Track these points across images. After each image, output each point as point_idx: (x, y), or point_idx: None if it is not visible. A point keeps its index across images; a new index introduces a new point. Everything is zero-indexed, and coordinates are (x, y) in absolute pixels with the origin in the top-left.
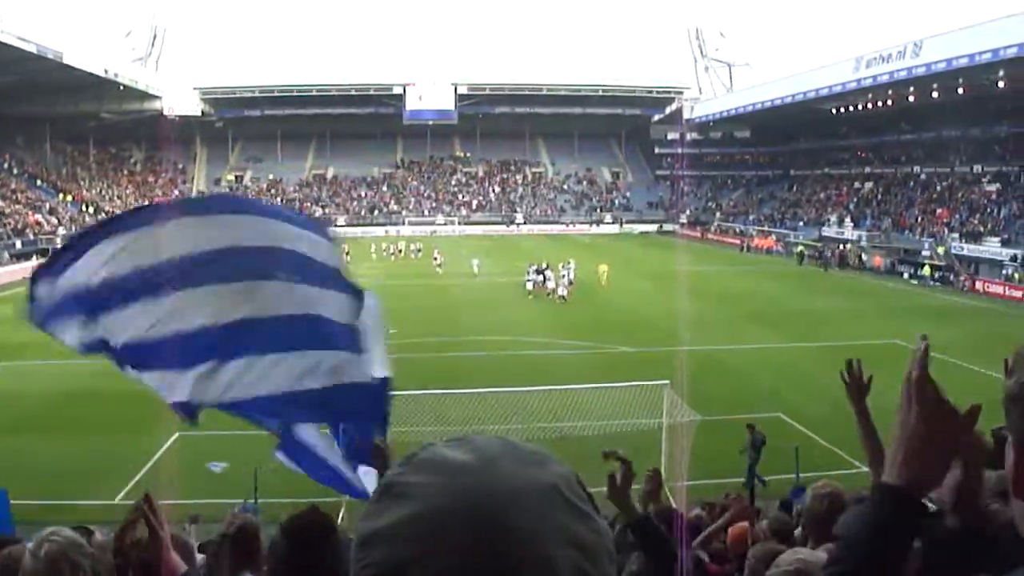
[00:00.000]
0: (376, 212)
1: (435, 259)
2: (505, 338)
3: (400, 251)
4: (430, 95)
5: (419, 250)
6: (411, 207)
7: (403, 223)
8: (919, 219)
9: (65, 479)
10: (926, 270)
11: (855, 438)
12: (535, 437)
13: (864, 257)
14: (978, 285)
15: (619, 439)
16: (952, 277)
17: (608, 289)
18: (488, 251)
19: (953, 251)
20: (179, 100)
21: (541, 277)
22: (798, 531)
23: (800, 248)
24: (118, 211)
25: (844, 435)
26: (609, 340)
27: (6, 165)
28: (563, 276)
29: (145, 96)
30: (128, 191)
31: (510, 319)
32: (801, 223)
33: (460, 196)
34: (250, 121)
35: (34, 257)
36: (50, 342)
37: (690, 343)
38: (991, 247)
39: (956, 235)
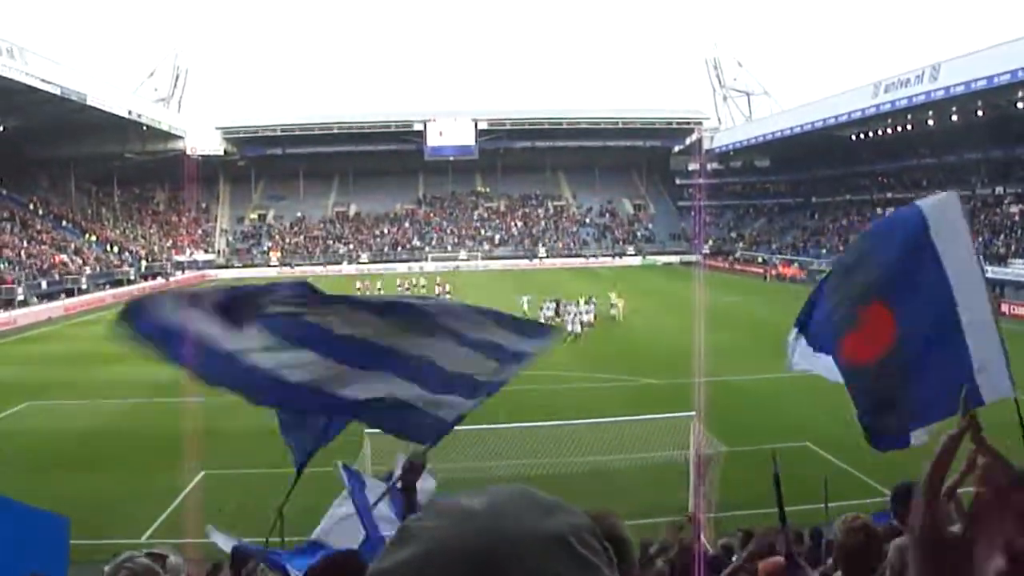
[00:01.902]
0: (399, 248)
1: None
2: (529, 372)
3: (413, 286)
4: (450, 131)
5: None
6: (433, 243)
7: (426, 259)
8: None
9: (91, 517)
10: None
11: (884, 466)
12: (562, 472)
13: None
14: (1003, 307)
15: (647, 472)
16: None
17: (624, 323)
18: (515, 286)
19: None
20: (202, 140)
21: (553, 312)
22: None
23: (823, 275)
24: (142, 251)
25: (872, 463)
26: (635, 372)
27: (32, 206)
28: (576, 314)
29: (168, 136)
30: (152, 231)
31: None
32: (824, 250)
33: (482, 231)
34: (272, 159)
35: (61, 296)
36: (74, 380)
37: (716, 374)
38: (1017, 269)
39: (980, 258)
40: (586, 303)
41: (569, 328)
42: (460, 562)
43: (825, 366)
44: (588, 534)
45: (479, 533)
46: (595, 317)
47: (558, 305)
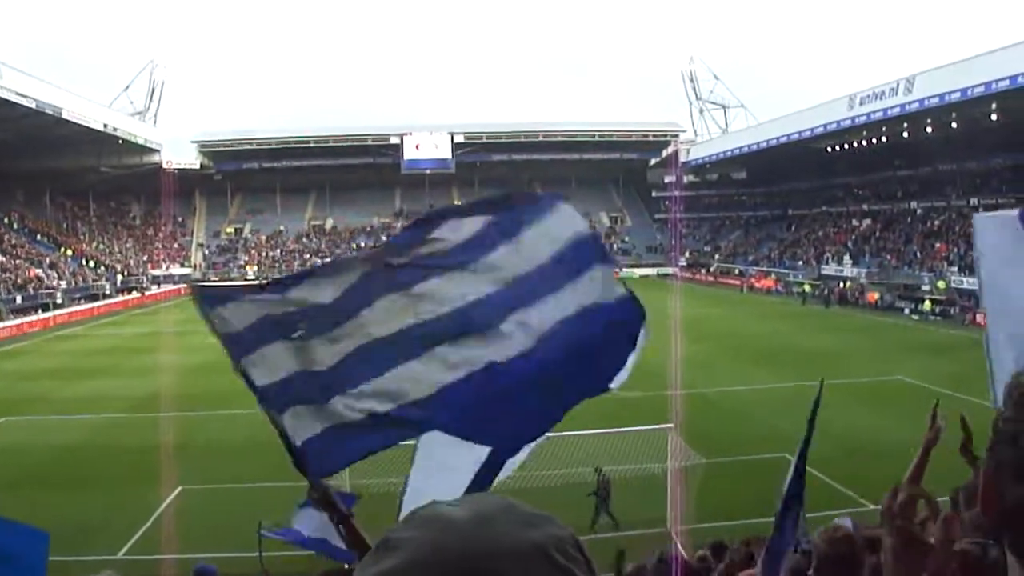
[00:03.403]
0: None
1: None
2: None
3: None
4: (427, 144)
5: None
6: None
7: None
8: (918, 254)
9: (67, 534)
10: (926, 305)
11: (861, 476)
12: (538, 485)
13: (879, 295)
14: (978, 318)
15: (624, 484)
16: (952, 311)
17: None
18: None
19: (953, 285)
20: (178, 153)
21: None
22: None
23: (804, 287)
24: (118, 265)
25: (850, 473)
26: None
27: (6, 220)
28: None
29: (144, 150)
30: (128, 245)
31: None
32: (800, 262)
33: None
34: (249, 173)
35: (39, 311)
36: (50, 396)
37: (693, 386)
38: None
39: (955, 269)
40: None
41: None
42: (441, 573)
43: None
44: (569, 545)
45: (460, 544)
46: None
47: None
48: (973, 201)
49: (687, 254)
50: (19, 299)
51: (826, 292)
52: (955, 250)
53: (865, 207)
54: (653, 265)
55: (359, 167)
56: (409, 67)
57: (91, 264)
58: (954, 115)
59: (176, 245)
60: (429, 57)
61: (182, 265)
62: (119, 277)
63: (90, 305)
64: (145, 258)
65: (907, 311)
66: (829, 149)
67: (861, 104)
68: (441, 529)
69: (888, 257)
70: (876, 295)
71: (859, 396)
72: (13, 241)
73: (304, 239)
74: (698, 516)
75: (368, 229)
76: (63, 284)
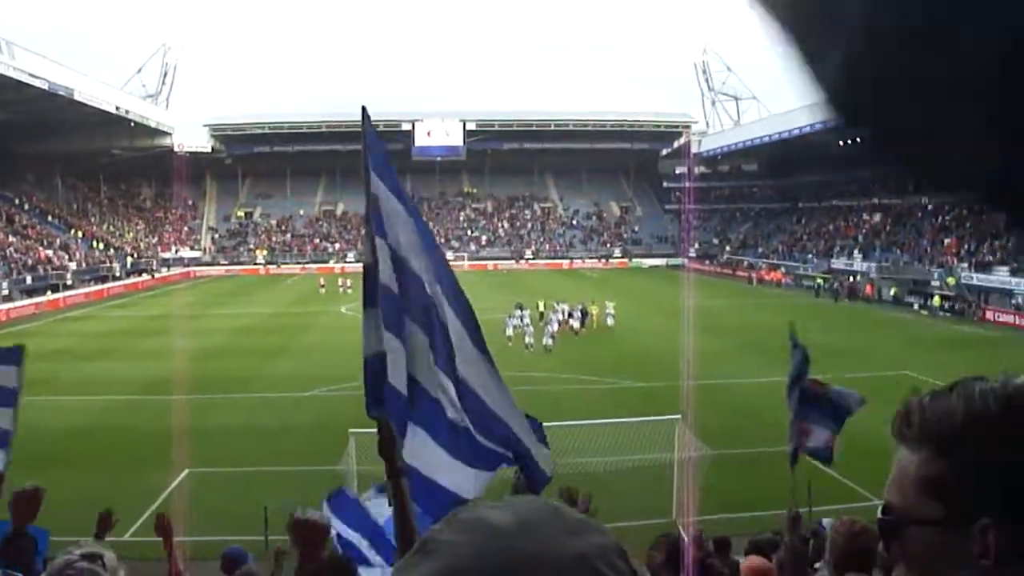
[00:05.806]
0: None
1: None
2: (516, 373)
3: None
4: (439, 131)
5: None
6: None
7: None
8: (928, 249)
9: (73, 516)
10: (936, 301)
11: (867, 470)
12: None
13: (888, 290)
14: (988, 315)
15: (631, 474)
16: (962, 307)
17: (610, 326)
18: (504, 287)
19: (963, 281)
20: (189, 137)
21: (527, 319)
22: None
23: (818, 279)
24: (128, 248)
25: (856, 468)
26: (620, 375)
27: (17, 201)
28: (553, 320)
29: (155, 133)
30: (139, 227)
31: (519, 354)
32: (810, 255)
33: (469, 232)
34: (259, 157)
35: (48, 292)
36: (58, 377)
37: (701, 377)
38: (1001, 276)
39: (965, 265)
40: (558, 306)
41: (528, 340)
42: None
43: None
44: (615, 555)
45: (503, 551)
46: (564, 321)
47: (521, 310)
48: None
49: (697, 245)
50: (29, 280)
51: (836, 286)
52: (966, 246)
53: (876, 201)
54: (663, 255)
55: None
56: (422, 53)
57: (101, 246)
58: None
59: (186, 228)
60: (442, 44)
61: (192, 248)
62: (129, 259)
63: (100, 287)
64: (155, 241)
65: (916, 307)
66: (841, 143)
67: None
68: (483, 534)
69: (898, 252)
70: (872, 287)
71: (866, 391)
72: (24, 222)
73: (315, 224)
74: (705, 508)
75: None
76: (73, 265)
